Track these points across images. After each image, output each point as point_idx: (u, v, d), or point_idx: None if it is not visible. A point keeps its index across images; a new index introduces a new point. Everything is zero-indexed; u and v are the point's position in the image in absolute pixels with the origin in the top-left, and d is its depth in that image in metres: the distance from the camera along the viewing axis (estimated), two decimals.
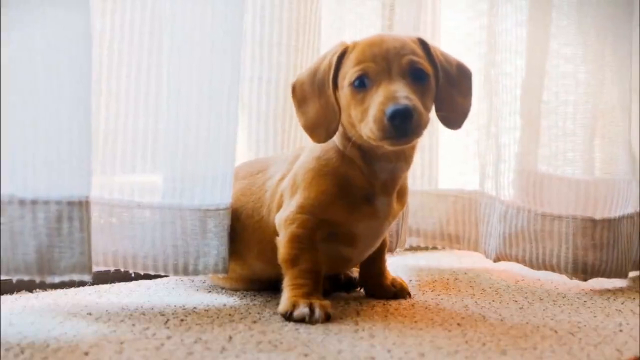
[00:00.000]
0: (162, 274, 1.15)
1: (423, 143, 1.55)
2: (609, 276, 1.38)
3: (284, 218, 1.10)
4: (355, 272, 1.28)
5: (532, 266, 1.41)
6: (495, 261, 1.45)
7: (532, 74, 1.42)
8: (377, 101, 0.99)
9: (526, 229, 1.40)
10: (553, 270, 1.39)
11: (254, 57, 1.34)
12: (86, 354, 0.86)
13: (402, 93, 0.99)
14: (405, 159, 1.10)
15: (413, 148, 1.11)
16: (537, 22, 1.42)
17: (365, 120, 1.01)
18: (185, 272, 1.14)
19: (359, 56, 1.04)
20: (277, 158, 1.23)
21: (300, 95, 1.10)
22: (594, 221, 1.36)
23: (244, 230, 1.17)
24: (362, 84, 1.03)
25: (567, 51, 1.41)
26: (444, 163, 1.62)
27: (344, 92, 1.05)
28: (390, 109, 0.97)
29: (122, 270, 1.15)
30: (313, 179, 1.09)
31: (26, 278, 0.97)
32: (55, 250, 0.98)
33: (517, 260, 1.42)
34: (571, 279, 1.38)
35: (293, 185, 1.11)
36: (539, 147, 1.43)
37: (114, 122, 1.13)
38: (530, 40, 1.42)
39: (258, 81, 1.34)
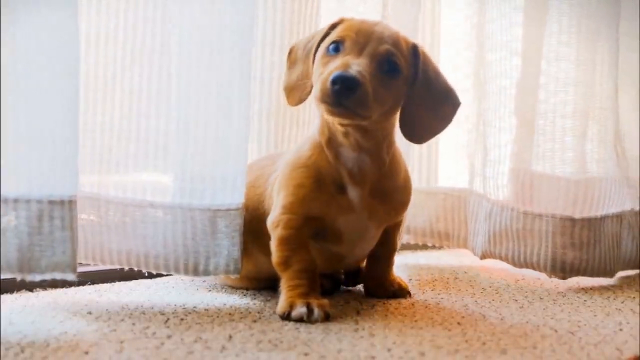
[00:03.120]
0: (173, 273, 1.16)
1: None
2: (590, 275, 1.38)
3: (271, 221, 1.11)
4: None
5: (514, 264, 1.41)
6: (481, 259, 1.46)
7: (526, 73, 1.43)
8: (333, 65, 1.01)
9: (509, 227, 1.40)
10: (533, 268, 1.39)
11: None
12: (86, 353, 0.86)
13: (356, 66, 0.99)
14: (367, 152, 1.09)
15: (376, 143, 1.09)
16: (532, 22, 1.42)
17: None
18: (196, 272, 1.14)
19: (345, 26, 1.06)
20: (286, 152, 1.23)
21: (293, 57, 1.14)
22: (573, 220, 1.37)
23: (251, 222, 1.17)
24: (335, 50, 1.04)
25: (559, 50, 1.41)
26: (441, 161, 1.62)
27: (318, 54, 1.07)
28: (335, 73, 0.97)
29: (135, 269, 1.15)
30: (289, 173, 1.11)
31: (7, 276, 0.97)
32: (36, 249, 0.97)
33: (500, 258, 1.43)
34: (550, 277, 1.39)
35: (279, 183, 1.12)
36: (528, 147, 1.43)
37: (127, 122, 1.14)
38: (525, 40, 1.42)
39: (252, 80, 1.34)
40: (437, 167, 1.61)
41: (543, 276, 1.44)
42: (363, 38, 1.03)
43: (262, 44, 1.33)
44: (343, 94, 0.97)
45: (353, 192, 1.09)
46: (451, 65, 1.58)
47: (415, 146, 1.55)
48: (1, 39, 0.95)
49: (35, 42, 0.97)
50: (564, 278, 1.38)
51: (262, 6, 1.32)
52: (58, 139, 0.99)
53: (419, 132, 1.12)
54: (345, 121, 1.04)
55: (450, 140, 1.61)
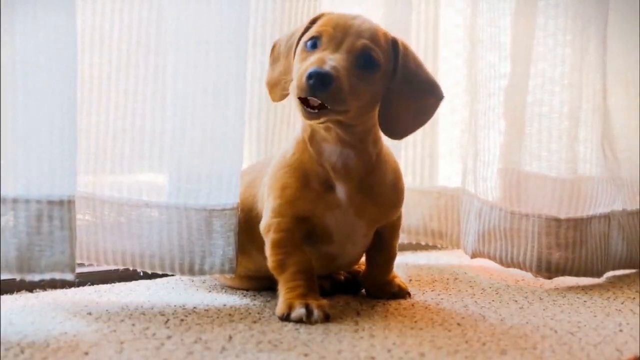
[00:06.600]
0: (169, 273, 1.16)
1: (415, 139, 1.56)
2: (577, 275, 1.39)
3: (263, 226, 1.11)
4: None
5: (501, 263, 1.42)
6: (472, 257, 1.47)
7: (515, 74, 1.43)
8: (309, 61, 1.01)
9: (497, 226, 1.41)
10: (520, 268, 1.41)
11: None
12: (86, 353, 0.86)
13: (331, 62, 0.99)
14: (351, 146, 1.08)
15: (359, 138, 1.08)
16: (522, 23, 1.43)
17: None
18: (191, 271, 1.14)
19: (324, 21, 1.06)
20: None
21: (276, 54, 1.14)
22: (558, 220, 1.38)
23: (247, 222, 1.17)
24: (313, 46, 1.04)
25: (548, 52, 1.42)
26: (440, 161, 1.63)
27: (298, 50, 1.07)
28: (311, 69, 0.98)
29: (131, 268, 1.15)
30: (276, 175, 1.11)
31: (7, 276, 0.97)
32: (35, 249, 0.98)
33: (489, 257, 1.44)
34: (536, 277, 1.40)
35: (268, 185, 1.12)
36: (517, 147, 1.44)
37: (122, 122, 1.14)
38: (514, 42, 1.43)
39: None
40: (437, 167, 1.61)
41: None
42: (340, 33, 1.03)
43: (253, 44, 1.33)
44: (318, 89, 0.97)
45: (339, 189, 1.09)
46: (451, 66, 1.58)
47: (406, 146, 1.55)
48: (0, 39, 0.95)
49: (33, 42, 0.97)
50: (549, 278, 1.39)
51: (253, 6, 1.32)
52: (56, 139, 0.99)
53: (398, 127, 1.10)
54: (321, 120, 1.02)
55: (449, 141, 1.61)
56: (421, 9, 1.54)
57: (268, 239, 1.10)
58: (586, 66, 1.43)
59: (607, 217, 1.44)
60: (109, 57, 1.14)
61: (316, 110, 0.99)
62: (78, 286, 1.22)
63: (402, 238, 1.59)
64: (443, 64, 1.58)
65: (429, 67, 1.38)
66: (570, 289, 1.35)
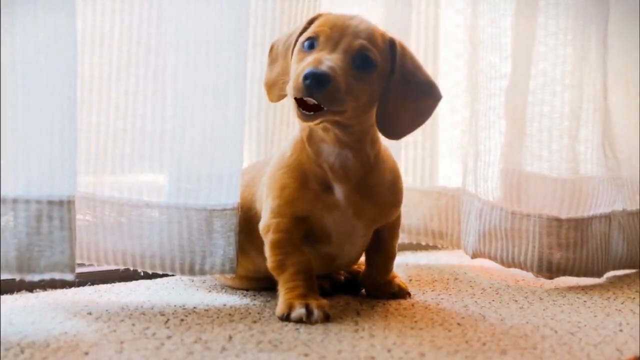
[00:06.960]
0: (170, 273, 1.16)
1: (415, 140, 1.56)
2: (577, 275, 1.40)
3: (262, 226, 1.11)
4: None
5: (502, 264, 1.43)
6: (472, 258, 1.47)
7: (516, 75, 1.43)
8: (306, 62, 1.00)
9: (498, 226, 1.42)
10: (521, 268, 1.41)
11: None
12: (86, 353, 0.86)
13: (328, 62, 0.99)
14: (349, 147, 1.08)
15: (357, 138, 1.08)
16: (523, 24, 1.43)
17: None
18: (192, 271, 1.15)
19: (321, 22, 1.06)
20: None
21: (274, 54, 1.14)
22: (559, 220, 1.38)
23: (246, 222, 1.17)
24: (310, 46, 1.04)
25: (549, 52, 1.42)
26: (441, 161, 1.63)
27: (295, 51, 1.07)
28: (307, 69, 0.97)
29: (131, 268, 1.15)
30: (273, 174, 1.11)
31: (6, 276, 0.97)
32: (35, 249, 0.98)
33: (490, 258, 1.44)
34: (537, 277, 1.40)
35: (267, 185, 1.12)
36: (518, 147, 1.44)
37: (123, 122, 1.14)
38: (515, 42, 1.43)
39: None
40: (437, 167, 1.61)
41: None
42: (337, 33, 1.03)
43: (253, 44, 1.33)
44: (314, 89, 0.97)
45: (338, 189, 1.09)
46: (451, 66, 1.58)
47: (407, 146, 1.55)
48: (0, 39, 0.95)
49: (33, 42, 0.97)
50: (550, 278, 1.40)
51: (253, 6, 1.32)
52: (56, 139, 0.99)
53: (396, 128, 1.10)
54: (317, 121, 1.02)
55: (449, 141, 1.61)
56: (421, 9, 1.54)
57: (267, 240, 1.10)
58: (587, 66, 1.43)
59: (607, 217, 1.44)
60: (109, 57, 1.14)
61: (312, 113, 0.99)
62: (78, 286, 1.22)
63: (403, 238, 1.59)
64: (443, 65, 1.58)
65: (429, 67, 1.39)
66: (570, 289, 1.35)
